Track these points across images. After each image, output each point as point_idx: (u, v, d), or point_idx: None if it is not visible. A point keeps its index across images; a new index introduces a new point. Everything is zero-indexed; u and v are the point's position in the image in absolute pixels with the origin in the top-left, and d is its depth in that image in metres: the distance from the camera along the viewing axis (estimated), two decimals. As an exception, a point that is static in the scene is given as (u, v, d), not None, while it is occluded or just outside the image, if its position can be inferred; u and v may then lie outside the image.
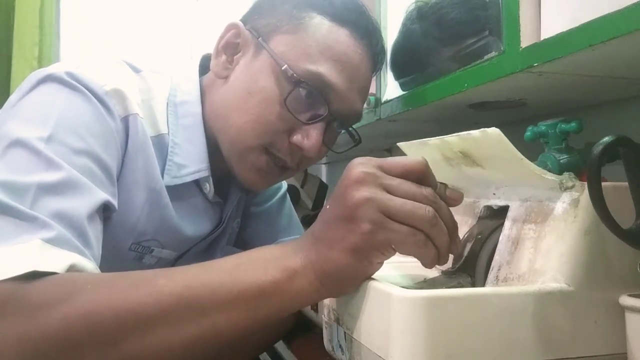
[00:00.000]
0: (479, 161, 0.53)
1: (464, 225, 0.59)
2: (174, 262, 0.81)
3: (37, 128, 0.60)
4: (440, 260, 0.49)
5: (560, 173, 0.50)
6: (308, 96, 0.73)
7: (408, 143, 0.60)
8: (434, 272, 0.58)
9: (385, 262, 0.50)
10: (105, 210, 0.63)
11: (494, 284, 0.51)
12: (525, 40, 0.63)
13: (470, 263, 0.55)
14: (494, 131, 0.47)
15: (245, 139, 0.74)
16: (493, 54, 0.70)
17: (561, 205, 0.48)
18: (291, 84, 0.72)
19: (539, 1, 0.62)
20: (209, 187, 0.78)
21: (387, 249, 0.48)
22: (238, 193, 0.86)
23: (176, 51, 2.02)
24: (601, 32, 0.52)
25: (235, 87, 0.76)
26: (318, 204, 1.54)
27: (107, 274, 0.53)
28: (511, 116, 0.92)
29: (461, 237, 0.57)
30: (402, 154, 0.61)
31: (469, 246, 0.56)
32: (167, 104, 0.76)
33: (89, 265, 0.54)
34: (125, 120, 0.69)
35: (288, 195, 1.01)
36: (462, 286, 0.53)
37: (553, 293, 0.45)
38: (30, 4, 1.82)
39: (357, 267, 0.48)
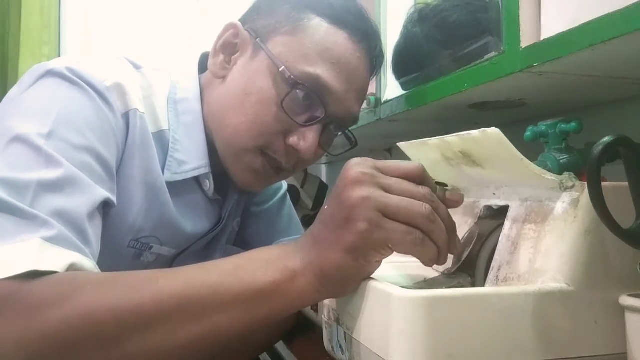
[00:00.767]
0: (479, 161, 0.53)
1: (464, 226, 0.59)
2: (173, 260, 0.81)
3: (37, 124, 0.60)
4: (440, 259, 0.49)
5: (560, 173, 0.49)
6: (305, 98, 0.73)
7: (408, 143, 0.60)
8: (434, 272, 0.58)
9: (385, 262, 0.50)
10: (104, 207, 0.63)
11: (494, 284, 0.51)
12: (525, 40, 0.63)
13: (470, 263, 0.55)
14: (494, 131, 0.47)
15: (241, 139, 0.74)
16: (493, 54, 0.70)
17: (561, 205, 0.48)
18: (288, 85, 0.72)
19: (539, 1, 0.62)
20: (209, 184, 0.78)
21: (384, 248, 0.48)
22: (237, 192, 0.86)
23: (177, 50, 2.02)
24: (601, 32, 0.52)
25: (233, 87, 0.76)
26: (318, 204, 1.54)
27: (107, 273, 0.53)
28: (511, 116, 0.92)
29: (461, 237, 0.57)
30: (402, 154, 0.61)
31: (469, 246, 0.56)
32: (168, 101, 0.76)
33: (89, 264, 0.54)
34: (126, 115, 0.69)
35: (288, 196, 1.01)
36: (462, 286, 0.53)
37: (553, 293, 0.45)
38: (39, 3, 1.83)
39: (355, 267, 0.48)
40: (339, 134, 0.82)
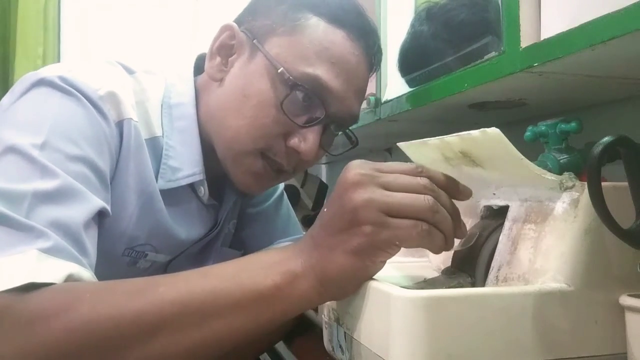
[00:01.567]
0: (479, 161, 0.53)
1: (464, 225, 0.59)
2: (167, 265, 0.80)
3: (31, 134, 0.59)
4: (448, 246, 0.49)
5: (560, 173, 0.49)
6: (305, 99, 0.72)
7: (408, 143, 0.60)
8: (433, 272, 0.58)
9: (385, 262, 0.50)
10: (99, 216, 0.62)
11: (494, 284, 0.51)
12: (525, 40, 0.63)
13: (470, 263, 0.55)
14: (494, 131, 0.47)
15: (240, 143, 0.73)
16: (493, 54, 0.70)
17: (561, 205, 0.48)
18: (287, 87, 0.71)
19: (539, 1, 0.62)
20: (203, 191, 0.77)
21: (392, 247, 0.47)
22: (233, 195, 0.85)
23: (175, 50, 2.02)
24: (601, 32, 0.52)
25: (231, 89, 0.75)
26: (318, 204, 1.54)
27: (105, 282, 0.52)
28: (511, 116, 0.92)
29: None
30: (402, 154, 0.61)
31: (469, 246, 0.56)
32: (162, 105, 0.75)
33: (87, 274, 0.53)
34: (120, 124, 0.68)
35: (285, 195, 1.00)
36: (462, 286, 0.53)
37: (553, 293, 0.45)
38: (34, 4, 1.83)
39: (360, 269, 0.48)
40: (339, 133, 0.81)
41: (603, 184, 0.42)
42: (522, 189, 0.53)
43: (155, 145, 0.73)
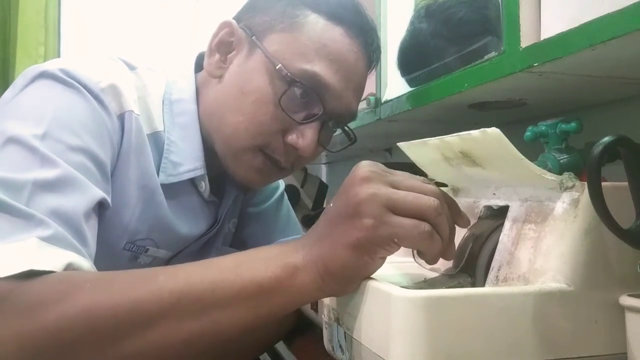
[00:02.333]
0: (479, 161, 0.53)
1: (464, 225, 0.59)
2: (168, 262, 0.80)
3: (32, 125, 0.59)
4: (445, 253, 0.50)
5: (560, 173, 0.49)
6: (303, 96, 0.72)
7: (408, 143, 0.60)
8: (434, 272, 0.58)
9: (385, 262, 0.50)
10: (100, 208, 0.62)
11: (494, 284, 0.51)
12: (525, 40, 0.63)
13: (470, 263, 0.55)
14: (494, 131, 0.47)
15: (239, 139, 0.74)
16: (493, 53, 0.70)
17: (561, 205, 0.48)
18: (286, 83, 0.72)
19: (539, 1, 0.62)
20: (204, 186, 0.78)
21: (390, 244, 0.47)
22: (234, 192, 0.85)
23: (176, 49, 2.02)
24: (601, 32, 0.52)
25: (229, 86, 0.75)
26: (318, 204, 1.54)
27: (105, 272, 0.52)
28: (511, 116, 0.92)
29: (461, 237, 0.57)
30: (402, 154, 0.61)
31: (469, 246, 0.56)
32: (163, 101, 0.76)
33: (86, 263, 0.54)
34: (121, 117, 0.69)
35: (286, 195, 1.00)
36: (462, 286, 0.53)
37: (553, 293, 0.45)
38: (34, 4, 1.83)
39: (359, 263, 0.48)
40: (339, 132, 0.81)
41: (603, 184, 0.42)
42: (522, 189, 0.53)
43: (157, 140, 0.74)
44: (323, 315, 0.60)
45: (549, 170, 0.53)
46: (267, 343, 0.79)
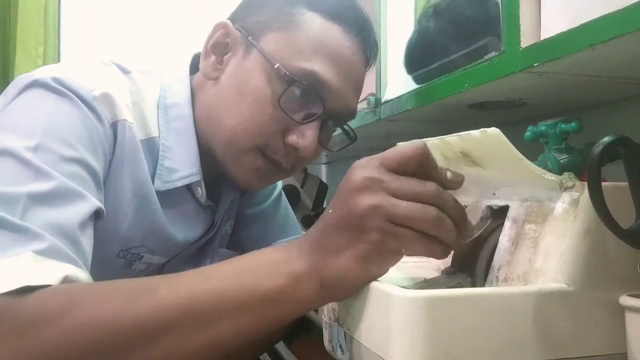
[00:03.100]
0: (479, 161, 0.53)
1: (464, 225, 0.59)
2: (162, 267, 0.79)
3: (25, 137, 0.58)
4: (448, 253, 0.49)
5: (560, 173, 0.49)
6: (302, 95, 0.72)
7: (408, 143, 0.60)
8: (434, 272, 0.58)
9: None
10: (95, 217, 0.61)
11: (494, 284, 0.51)
12: (525, 40, 0.63)
13: (470, 263, 0.55)
14: (494, 131, 0.47)
15: (239, 141, 0.73)
16: (493, 53, 0.70)
17: (561, 205, 0.48)
18: (284, 83, 0.71)
19: (539, 1, 0.62)
20: (200, 192, 0.77)
21: (398, 254, 0.47)
22: (230, 195, 0.84)
23: (175, 49, 2.02)
24: (601, 32, 0.52)
25: (227, 88, 0.74)
26: (318, 204, 1.54)
27: (104, 283, 0.51)
28: (511, 116, 0.92)
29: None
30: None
31: (469, 246, 0.56)
32: (158, 105, 0.75)
33: (83, 275, 0.52)
34: (114, 125, 0.68)
35: (284, 195, 1.00)
36: (462, 286, 0.53)
37: (553, 293, 0.45)
38: (34, 3, 1.83)
39: (365, 274, 0.48)
40: (338, 129, 0.81)
41: (603, 184, 0.42)
42: (522, 189, 0.53)
43: (151, 146, 0.72)
44: (323, 315, 0.60)
45: (549, 170, 0.53)
46: (267, 344, 0.79)
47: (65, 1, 1.94)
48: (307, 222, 1.32)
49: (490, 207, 0.57)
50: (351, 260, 0.47)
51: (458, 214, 0.49)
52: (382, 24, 1.03)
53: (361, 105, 0.86)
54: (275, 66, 0.71)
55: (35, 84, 0.65)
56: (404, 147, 0.49)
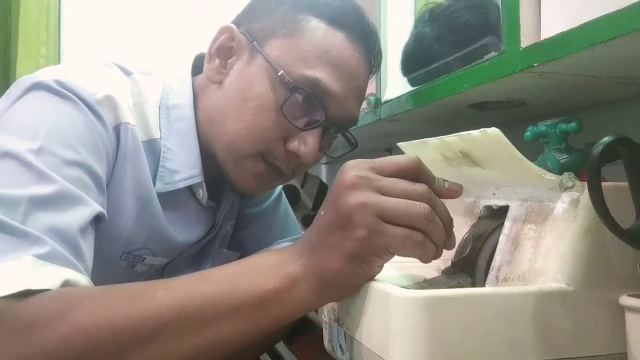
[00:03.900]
0: (479, 161, 0.53)
1: (464, 226, 0.59)
2: (164, 267, 0.80)
3: (27, 139, 0.58)
4: (437, 255, 0.49)
5: (560, 173, 0.50)
6: (305, 102, 0.72)
7: (408, 143, 0.60)
8: (433, 272, 0.58)
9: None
10: (96, 221, 0.61)
11: (494, 284, 0.51)
12: (525, 40, 0.63)
13: (470, 263, 0.55)
14: (494, 131, 0.47)
15: (241, 146, 0.73)
16: (493, 53, 0.70)
17: (561, 205, 0.48)
18: (287, 89, 0.71)
19: (539, 1, 0.62)
20: (202, 193, 0.77)
21: (385, 253, 0.47)
22: (232, 196, 0.84)
23: (176, 49, 2.02)
24: (601, 32, 0.52)
25: (230, 92, 0.74)
26: (318, 204, 1.54)
27: (103, 287, 0.51)
28: (511, 116, 0.92)
29: (462, 237, 0.57)
30: (402, 154, 0.61)
31: (469, 246, 0.56)
32: (160, 107, 0.74)
33: (83, 279, 0.52)
34: (117, 128, 0.68)
35: (284, 195, 1.00)
36: (462, 286, 0.53)
37: (553, 293, 0.45)
38: (35, 4, 1.83)
39: (356, 273, 0.48)
40: (339, 135, 0.81)
41: (603, 184, 0.42)
42: (522, 189, 0.53)
43: (153, 148, 0.72)
44: (323, 315, 0.60)
45: (549, 170, 0.53)
46: (266, 345, 0.79)
47: (66, 1, 1.94)
48: (307, 222, 1.32)
49: (490, 207, 0.57)
50: (340, 259, 0.48)
51: (447, 219, 0.49)
52: (382, 25, 1.03)
53: (361, 105, 0.86)
54: (279, 73, 0.71)
55: (38, 86, 0.64)
56: (399, 158, 0.50)
